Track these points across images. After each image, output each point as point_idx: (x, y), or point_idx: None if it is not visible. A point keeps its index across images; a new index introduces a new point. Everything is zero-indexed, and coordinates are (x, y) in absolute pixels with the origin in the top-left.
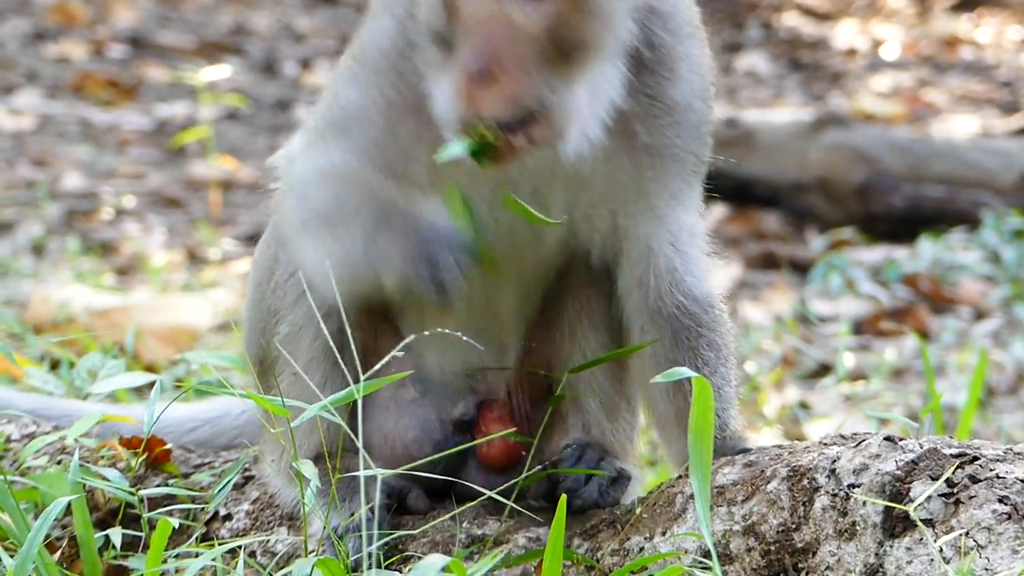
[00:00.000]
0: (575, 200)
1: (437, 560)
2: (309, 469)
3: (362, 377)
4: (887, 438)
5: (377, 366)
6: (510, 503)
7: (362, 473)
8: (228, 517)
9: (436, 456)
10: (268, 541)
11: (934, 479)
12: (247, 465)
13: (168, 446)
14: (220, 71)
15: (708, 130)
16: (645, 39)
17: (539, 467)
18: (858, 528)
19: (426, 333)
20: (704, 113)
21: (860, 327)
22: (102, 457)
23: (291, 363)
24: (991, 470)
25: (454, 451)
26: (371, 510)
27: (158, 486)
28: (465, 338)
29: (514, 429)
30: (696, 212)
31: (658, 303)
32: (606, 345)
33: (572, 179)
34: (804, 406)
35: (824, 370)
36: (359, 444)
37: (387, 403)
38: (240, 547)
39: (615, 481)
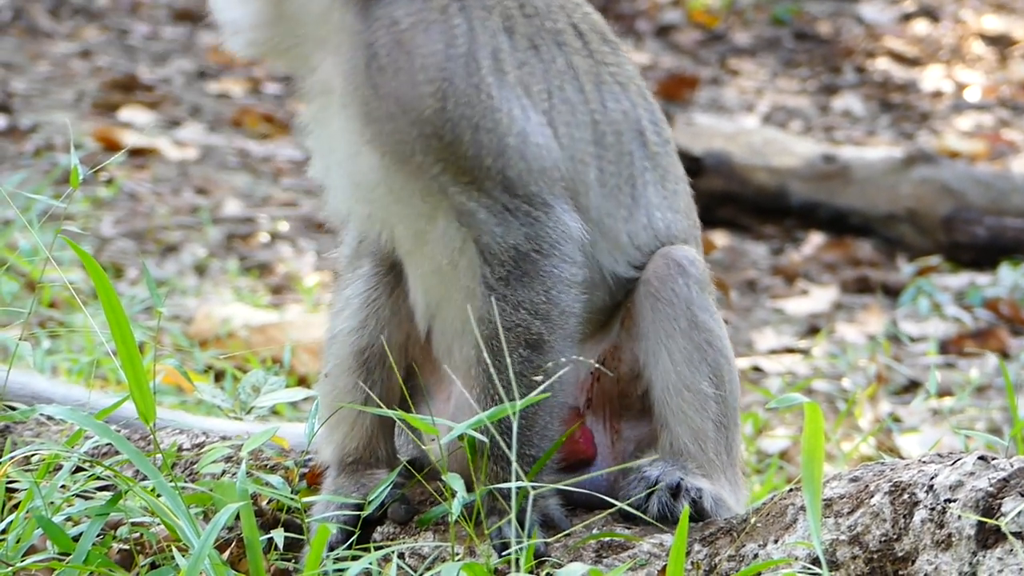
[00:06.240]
0: None
1: (577, 568)
2: (458, 483)
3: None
4: (981, 457)
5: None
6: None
7: (513, 485)
8: (380, 521)
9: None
10: (416, 545)
11: None
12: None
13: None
14: None
15: None
16: None
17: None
18: (954, 539)
19: None
20: None
21: (946, 347)
22: (268, 467)
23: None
24: None
25: None
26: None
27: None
28: None
29: (578, 424)
30: None
31: None
32: None
33: None
34: (896, 419)
35: (914, 386)
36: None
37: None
38: (392, 551)
39: (675, 495)
